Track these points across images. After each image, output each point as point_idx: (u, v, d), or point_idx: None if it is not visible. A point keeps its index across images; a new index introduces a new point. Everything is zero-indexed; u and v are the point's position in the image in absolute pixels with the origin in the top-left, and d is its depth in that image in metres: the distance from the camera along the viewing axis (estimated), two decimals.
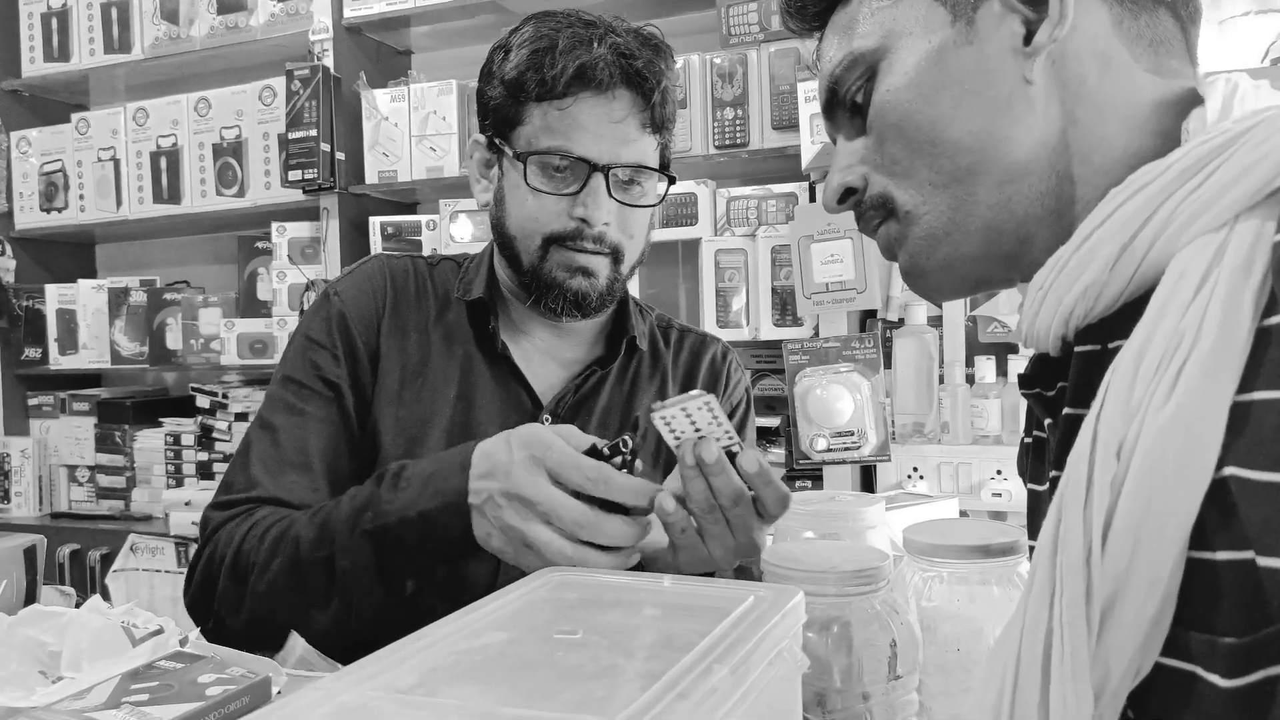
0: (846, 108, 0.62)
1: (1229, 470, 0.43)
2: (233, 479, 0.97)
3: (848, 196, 0.63)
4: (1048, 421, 0.61)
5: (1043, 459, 0.63)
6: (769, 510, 0.77)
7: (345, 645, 0.75)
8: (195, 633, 0.76)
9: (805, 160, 1.76)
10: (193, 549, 2.32)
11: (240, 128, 2.41)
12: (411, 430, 1.00)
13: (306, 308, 2.15)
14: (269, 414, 0.99)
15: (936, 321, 1.84)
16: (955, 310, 1.85)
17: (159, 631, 0.76)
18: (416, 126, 2.19)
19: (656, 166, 0.99)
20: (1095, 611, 0.44)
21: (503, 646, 0.54)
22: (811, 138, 1.75)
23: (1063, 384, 0.57)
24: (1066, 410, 0.55)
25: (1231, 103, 0.51)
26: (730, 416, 1.12)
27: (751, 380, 2.14)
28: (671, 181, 1.01)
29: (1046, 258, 0.54)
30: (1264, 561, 0.41)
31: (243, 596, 0.88)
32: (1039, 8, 0.55)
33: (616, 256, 0.98)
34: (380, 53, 2.41)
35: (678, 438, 0.74)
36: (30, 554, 1.07)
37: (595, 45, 0.92)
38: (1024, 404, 1.77)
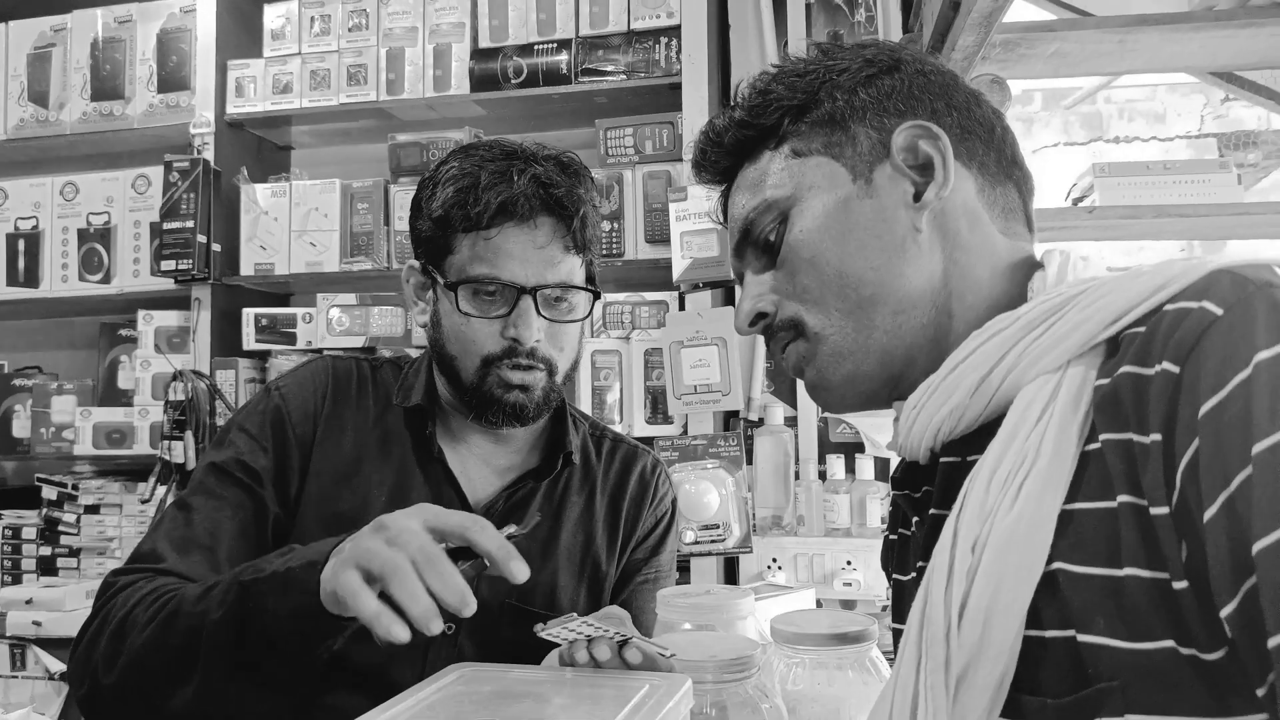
0: (759, 246, 0.71)
1: (1057, 564, 0.53)
2: (141, 549, 0.97)
3: (759, 320, 0.72)
4: (915, 519, 0.71)
5: (906, 553, 0.74)
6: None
7: None
8: None
9: (676, 272, 1.90)
10: (32, 651, 2.19)
11: (110, 214, 2.36)
12: (338, 528, 0.97)
13: (172, 397, 2.12)
14: (188, 495, 1.00)
15: (792, 422, 1.99)
16: (809, 412, 2.00)
17: None
18: (297, 222, 2.21)
19: (582, 283, 1.05)
20: (952, 678, 0.53)
21: None
22: (681, 252, 1.89)
23: (927, 488, 0.68)
24: (932, 511, 0.65)
25: (1065, 270, 0.64)
26: (654, 529, 1.18)
27: None
28: (597, 296, 1.07)
29: (922, 380, 0.64)
30: (1082, 638, 0.51)
31: (119, 653, 0.86)
32: (924, 172, 0.67)
33: (550, 369, 1.04)
34: (261, 148, 2.42)
35: (570, 641, 0.80)
36: None
37: (516, 179, 0.98)
38: (870, 500, 1.91)
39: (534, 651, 0.84)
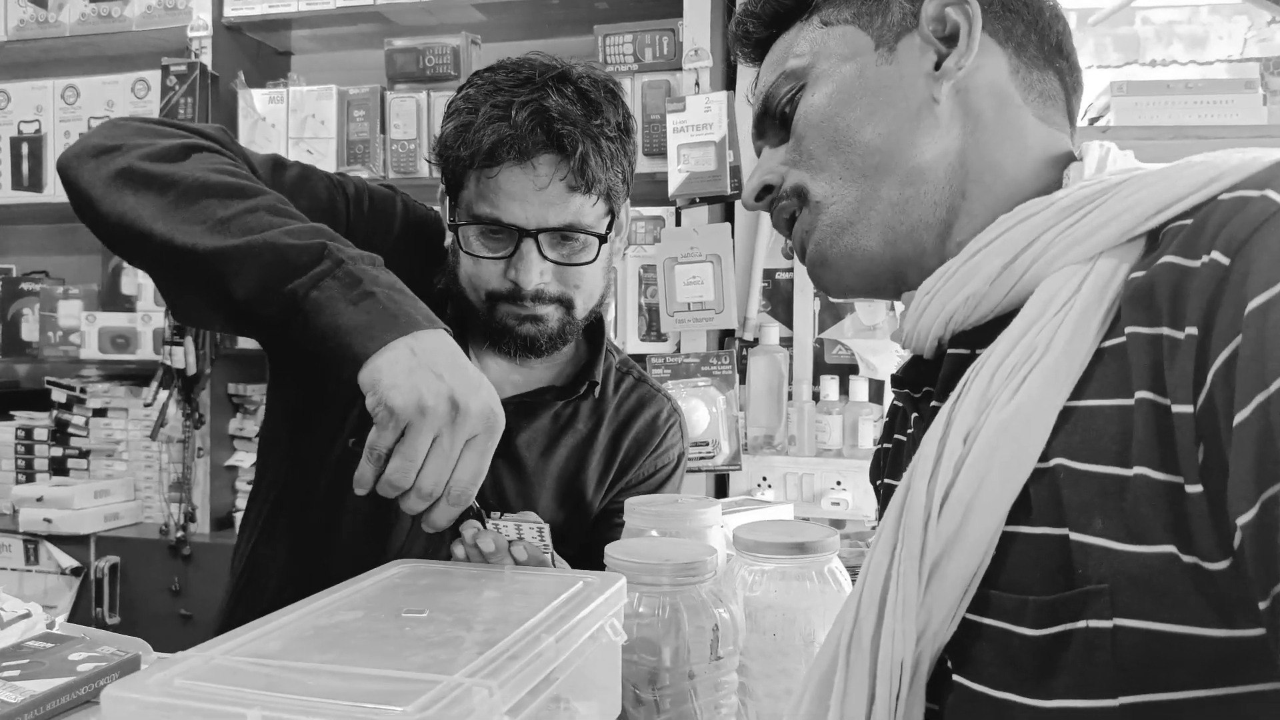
0: (775, 118, 0.69)
1: (1057, 460, 0.50)
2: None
3: (765, 194, 0.69)
4: (914, 415, 0.67)
5: (900, 458, 0.71)
6: None
7: None
8: (62, 617, 0.79)
9: (672, 187, 1.87)
10: (44, 547, 2.26)
11: (111, 117, 2.36)
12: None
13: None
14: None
15: (787, 343, 1.98)
16: (805, 332, 1.99)
17: (27, 615, 0.79)
18: (294, 128, 2.19)
19: (591, 224, 0.98)
20: (926, 567, 0.52)
21: (358, 621, 0.61)
22: (678, 166, 1.86)
23: (928, 388, 0.64)
24: (933, 404, 0.61)
25: (1105, 161, 0.59)
26: (650, 476, 1.16)
27: None
28: (603, 240, 1.00)
29: (931, 267, 0.61)
30: (1075, 536, 0.49)
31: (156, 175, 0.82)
32: (951, 43, 0.63)
33: (567, 306, 1.00)
34: (260, 52, 2.39)
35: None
36: None
37: (516, 114, 0.93)
38: (863, 421, 1.90)
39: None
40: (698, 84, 1.91)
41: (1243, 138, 1.76)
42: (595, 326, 1.12)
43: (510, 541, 0.82)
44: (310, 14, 2.19)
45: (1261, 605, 0.42)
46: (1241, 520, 0.42)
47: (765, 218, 1.99)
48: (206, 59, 2.21)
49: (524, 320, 0.99)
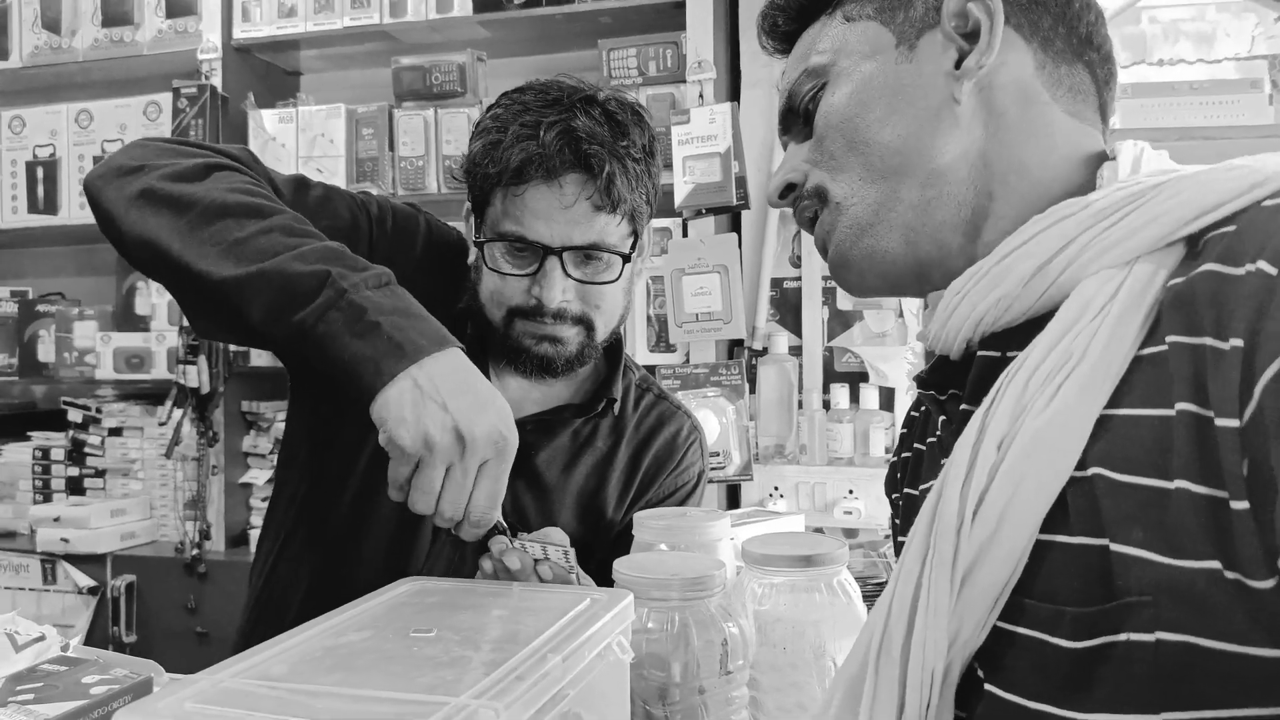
0: (799, 115, 0.68)
1: (1094, 470, 0.49)
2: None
3: (788, 192, 0.69)
4: (941, 419, 0.66)
5: (920, 468, 0.71)
6: None
7: None
8: (78, 638, 0.79)
9: (678, 199, 1.87)
10: (61, 567, 2.28)
11: (124, 141, 2.39)
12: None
13: (185, 323, 2.16)
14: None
15: (797, 351, 1.98)
16: (814, 340, 1.99)
17: (40, 639, 0.79)
18: (304, 147, 2.22)
19: (614, 243, 0.99)
20: (958, 575, 0.51)
21: (366, 642, 0.62)
22: (684, 177, 1.86)
23: (954, 391, 0.63)
24: (963, 408, 0.60)
25: (1140, 161, 0.58)
26: (671, 495, 1.16)
27: None
28: (626, 260, 1.00)
29: (958, 268, 0.60)
30: (1116, 547, 0.47)
31: (176, 195, 0.84)
32: (973, 40, 0.61)
33: (588, 326, 1.01)
34: (269, 73, 2.42)
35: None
36: None
37: (544, 133, 0.94)
38: (874, 429, 1.89)
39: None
40: (701, 96, 1.91)
41: (1250, 138, 1.75)
42: (614, 344, 1.13)
43: (536, 561, 0.84)
44: (318, 34, 2.22)
45: None
46: None
47: (772, 227, 1.99)
48: (217, 81, 2.24)
49: (541, 340, 1.00)
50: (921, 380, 0.67)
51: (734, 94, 2.02)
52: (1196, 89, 1.83)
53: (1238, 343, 0.44)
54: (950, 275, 0.61)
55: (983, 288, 0.57)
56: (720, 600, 0.86)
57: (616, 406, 1.11)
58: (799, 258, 2.03)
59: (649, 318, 2.00)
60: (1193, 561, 0.45)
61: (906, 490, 0.74)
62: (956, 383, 0.63)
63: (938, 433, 0.67)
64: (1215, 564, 0.44)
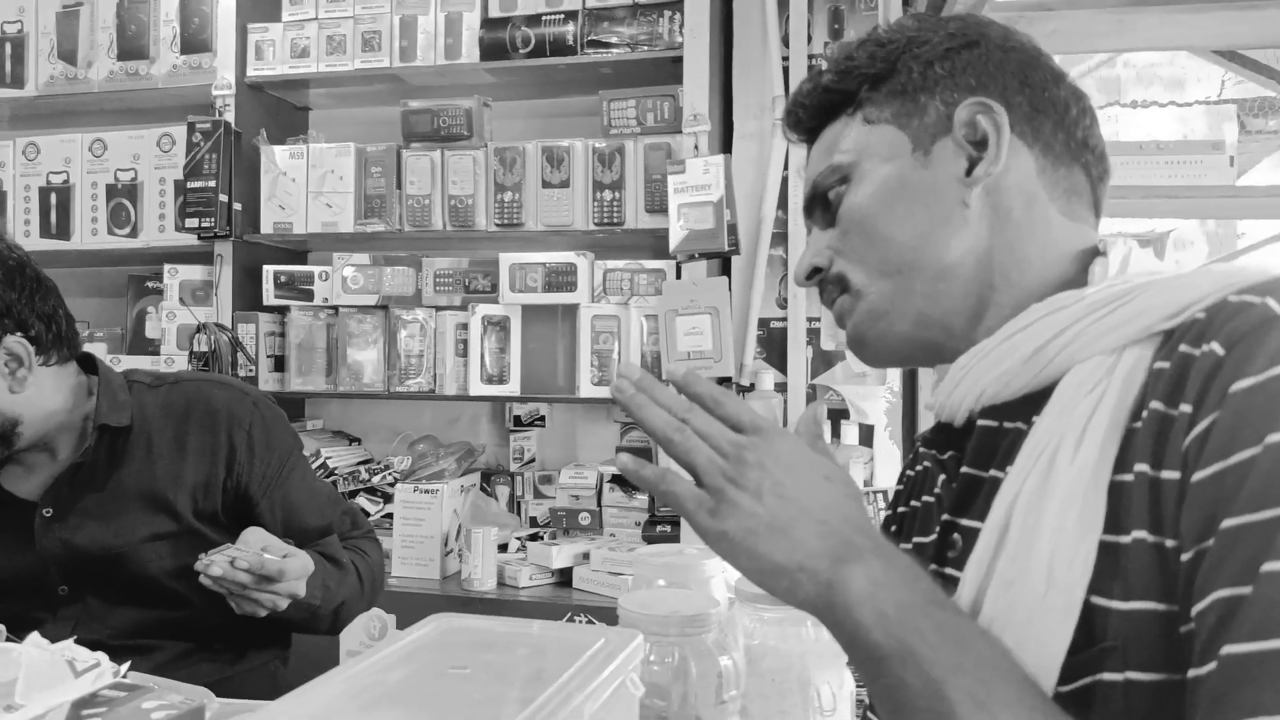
0: (823, 205, 0.75)
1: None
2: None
3: (815, 274, 0.76)
4: (942, 477, 0.73)
5: (922, 519, 0.77)
6: None
7: None
8: (126, 665, 0.85)
9: (673, 243, 1.97)
10: None
11: (136, 170, 2.45)
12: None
13: (196, 348, 2.23)
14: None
15: (782, 388, 2.08)
16: (798, 378, 2.09)
17: (96, 665, 0.86)
18: (314, 183, 2.29)
19: None
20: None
21: (404, 680, 0.67)
22: (679, 223, 1.96)
23: (953, 453, 0.71)
24: (964, 470, 0.68)
25: (1128, 261, 0.65)
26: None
27: (621, 432, 2.33)
28: None
29: (962, 348, 0.67)
30: (1094, 600, 0.54)
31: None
32: (982, 148, 0.68)
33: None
34: (279, 108, 2.49)
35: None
36: None
37: None
38: (854, 464, 1.97)
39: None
40: (696, 147, 2.01)
41: (1209, 196, 1.86)
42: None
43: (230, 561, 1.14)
44: (329, 75, 2.30)
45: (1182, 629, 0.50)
46: (1184, 558, 0.50)
47: (760, 271, 2.09)
48: (230, 116, 2.31)
49: None
50: (925, 440, 0.76)
51: (726, 145, 2.12)
52: (1163, 149, 1.94)
53: (1186, 409, 0.53)
54: (954, 353, 0.68)
55: (986, 365, 0.65)
56: (716, 635, 0.93)
57: (125, 418, 1.34)
58: (785, 300, 2.13)
59: (644, 355, 2.09)
60: (1139, 604, 0.52)
61: (916, 539, 0.79)
62: (957, 445, 0.70)
63: (935, 490, 0.74)
64: (1158, 604, 0.52)
